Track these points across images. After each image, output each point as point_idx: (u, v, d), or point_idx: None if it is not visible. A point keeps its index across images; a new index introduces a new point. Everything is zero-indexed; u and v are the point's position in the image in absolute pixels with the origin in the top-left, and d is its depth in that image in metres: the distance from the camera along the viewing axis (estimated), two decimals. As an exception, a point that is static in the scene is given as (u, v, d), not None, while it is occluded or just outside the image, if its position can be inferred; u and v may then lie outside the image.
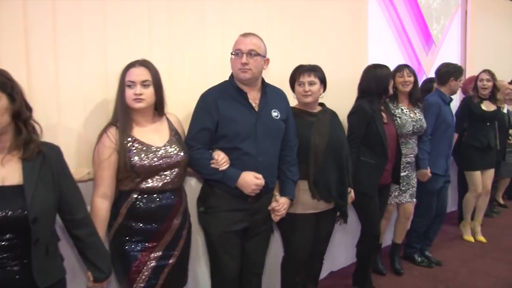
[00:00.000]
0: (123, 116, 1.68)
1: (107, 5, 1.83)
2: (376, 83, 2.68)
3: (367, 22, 3.37)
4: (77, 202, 1.42)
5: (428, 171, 3.12)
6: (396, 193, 3.02)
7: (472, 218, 3.94)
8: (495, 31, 5.41)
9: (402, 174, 2.96)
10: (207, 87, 2.00)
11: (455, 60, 4.71)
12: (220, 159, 1.84)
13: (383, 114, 2.73)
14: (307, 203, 2.24)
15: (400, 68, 3.04)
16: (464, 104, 3.77)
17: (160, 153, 1.70)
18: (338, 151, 2.29)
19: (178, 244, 1.80)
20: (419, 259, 3.37)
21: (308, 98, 2.25)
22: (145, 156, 1.67)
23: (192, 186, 2.24)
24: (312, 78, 2.24)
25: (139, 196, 1.69)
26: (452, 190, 4.16)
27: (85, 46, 1.77)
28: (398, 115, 2.96)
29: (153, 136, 1.74)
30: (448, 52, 4.53)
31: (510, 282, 3.10)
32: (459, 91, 3.73)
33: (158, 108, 1.78)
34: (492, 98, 3.72)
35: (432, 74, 4.15)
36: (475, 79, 3.79)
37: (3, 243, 1.21)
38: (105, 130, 1.67)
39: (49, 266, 1.31)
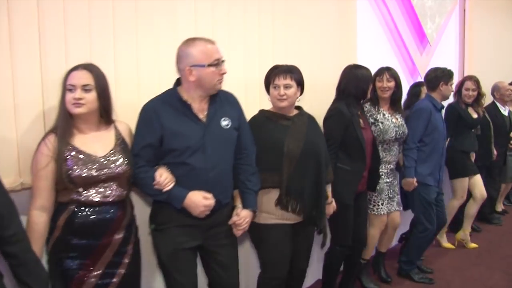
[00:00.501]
0: (62, 122, 1.57)
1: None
2: (355, 85, 2.53)
3: (355, 21, 3.24)
4: (8, 215, 1.32)
5: (414, 180, 2.98)
6: (386, 202, 2.89)
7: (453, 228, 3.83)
8: (494, 29, 5.26)
9: (387, 180, 2.86)
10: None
11: (453, 60, 4.60)
12: (163, 180, 1.70)
13: (360, 118, 2.60)
14: (278, 213, 2.10)
15: (380, 71, 2.90)
16: (452, 110, 3.61)
17: (100, 163, 1.60)
18: (314, 157, 2.14)
19: (122, 262, 1.67)
20: (417, 276, 3.17)
21: (283, 103, 2.10)
22: (84, 166, 1.57)
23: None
24: (288, 81, 2.10)
25: (77, 209, 1.59)
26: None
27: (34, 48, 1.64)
28: (380, 120, 2.83)
29: (95, 145, 1.63)
30: (445, 52, 4.40)
31: (506, 293, 2.97)
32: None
33: (104, 115, 1.65)
34: (475, 104, 3.66)
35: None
36: (459, 84, 3.68)
37: None
38: (44, 137, 1.58)
39: None
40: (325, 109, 2.60)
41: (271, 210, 2.09)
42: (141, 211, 1.97)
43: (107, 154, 1.63)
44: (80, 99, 1.55)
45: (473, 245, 3.78)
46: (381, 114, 2.86)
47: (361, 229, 2.67)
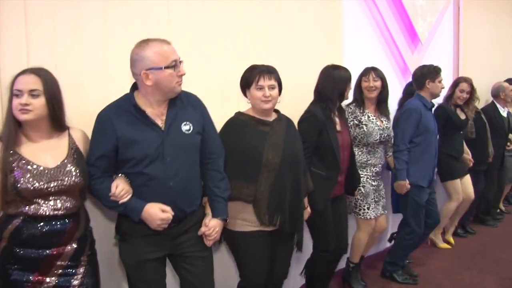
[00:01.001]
0: (8, 129, 1.50)
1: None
2: (331, 87, 2.44)
3: (341, 20, 3.18)
4: None
5: (406, 183, 2.91)
6: (373, 206, 2.83)
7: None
8: (489, 28, 5.17)
9: (373, 183, 2.81)
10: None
11: (447, 59, 4.51)
12: (118, 192, 1.62)
13: (337, 121, 2.52)
14: (253, 220, 2.01)
15: (366, 71, 2.85)
16: (441, 111, 3.53)
17: (50, 175, 1.52)
18: (294, 167, 2.05)
19: (77, 272, 1.61)
20: (401, 277, 3.11)
21: (268, 104, 2.02)
22: (31, 178, 1.49)
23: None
24: (273, 82, 2.02)
25: (24, 221, 1.52)
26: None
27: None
28: (364, 123, 2.78)
29: (45, 154, 1.55)
30: (438, 51, 4.31)
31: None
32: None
33: (55, 122, 1.57)
34: (464, 106, 3.61)
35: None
36: (453, 84, 3.60)
37: None
38: None
39: None
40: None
41: (247, 217, 2.02)
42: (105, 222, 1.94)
43: (58, 165, 1.55)
44: (27, 104, 1.48)
45: (444, 245, 3.72)
46: (366, 116, 2.80)
47: (340, 234, 2.58)
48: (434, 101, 3.16)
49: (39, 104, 1.50)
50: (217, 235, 1.83)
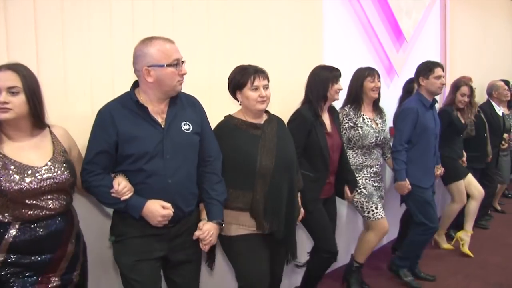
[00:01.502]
0: None
1: None
2: (314, 87, 2.42)
3: (322, 17, 3.06)
4: None
5: (406, 183, 2.84)
6: (380, 205, 2.77)
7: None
8: (477, 24, 5.09)
9: (374, 184, 2.77)
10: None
11: (434, 57, 4.40)
12: (121, 188, 1.60)
13: (327, 123, 2.46)
14: (250, 223, 1.96)
15: (372, 71, 2.78)
16: (446, 115, 3.42)
17: (40, 174, 1.47)
18: (288, 171, 2.00)
19: (76, 268, 1.62)
20: (406, 278, 3.02)
21: (263, 105, 1.99)
22: (21, 179, 1.43)
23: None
24: (266, 82, 1.99)
25: (21, 226, 1.46)
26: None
27: None
28: (359, 125, 2.71)
29: (29, 153, 1.49)
30: (424, 49, 4.22)
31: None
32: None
33: (36, 120, 1.51)
34: (466, 110, 3.55)
35: (404, 73, 3.88)
36: (454, 89, 3.51)
37: None
38: None
39: None
40: (288, 110, 2.46)
41: (242, 221, 1.96)
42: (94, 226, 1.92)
43: (47, 163, 1.50)
44: (6, 103, 1.41)
45: (468, 251, 3.58)
46: (361, 119, 2.74)
47: (333, 232, 2.52)
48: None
49: (19, 101, 1.44)
50: (212, 239, 1.78)
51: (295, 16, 2.85)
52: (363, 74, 2.78)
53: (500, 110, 4.29)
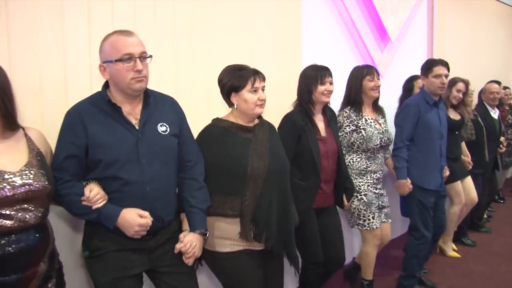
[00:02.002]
0: None
1: None
2: (302, 89, 2.31)
3: (300, 16, 2.91)
4: None
5: (408, 182, 2.72)
6: (377, 214, 2.62)
7: None
8: (466, 24, 4.97)
9: (375, 191, 2.61)
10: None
11: (421, 58, 4.26)
12: (93, 195, 1.47)
13: (321, 127, 2.31)
14: (238, 238, 1.78)
15: (371, 70, 2.63)
16: None
17: (14, 180, 1.32)
18: (282, 176, 1.86)
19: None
20: None
21: (262, 108, 1.86)
22: None
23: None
24: (264, 84, 1.86)
25: None
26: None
27: None
28: (362, 127, 2.55)
29: (2, 158, 1.35)
30: (410, 49, 4.09)
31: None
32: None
33: (7, 120, 1.38)
34: (458, 107, 3.44)
35: (389, 73, 3.76)
36: (450, 84, 3.39)
37: None
38: None
39: None
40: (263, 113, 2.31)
41: (229, 235, 1.79)
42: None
43: (22, 168, 1.36)
44: None
45: (454, 254, 3.53)
46: (363, 120, 2.58)
47: (333, 247, 2.37)
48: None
49: None
50: (196, 251, 1.64)
51: (272, 15, 2.70)
52: (362, 73, 2.62)
53: (495, 113, 4.18)
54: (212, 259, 1.82)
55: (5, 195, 1.29)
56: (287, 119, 2.25)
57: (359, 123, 2.56)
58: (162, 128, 1.61)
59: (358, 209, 2.58)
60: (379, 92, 2.64)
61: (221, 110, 1.99)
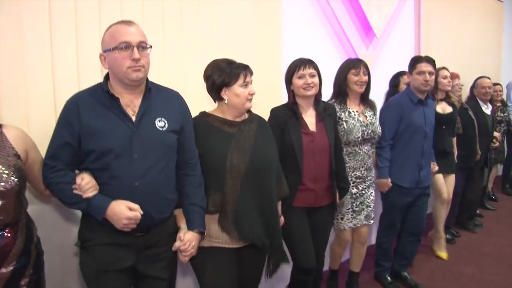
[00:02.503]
0: None
1: None
2: (285, 81, 2.26)
3: (280, 14, 2.79)
4: None
5: (388, 181, 2.69)
6: (349, 216, 2.51)
7: None
8: (453, 19, 4.87)
9: (351, 191, 2.48)
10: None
11: (408, 54, 4.16)
12: (84, 184, 1.46)
13: (310, 121, 2.21)
14: (219, 235, 1.79)
15: (357, 64, 2.50)
16: None
17: None
18: (263, 173, 1.81)
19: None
20: (389, 279, 2.95)
21: (251, 103, 1.85)
22: None
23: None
24: (252, 78, 1.84)
25: None
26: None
27: None
28: (344, 119, 2.44)
29: None
30: (397, 45, 3.97)
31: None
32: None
33: None
34: (447, 98, 3.41)
35: (375, 70, 3.63)
36: (435, 77, 3.26)
37: None
38: None
39: None
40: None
41: (210, 232, 1.78)
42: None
43: None
44: None
45: (442, 254, 3.46)
46: (346, 112, 2.47)
47: (316, 248, 2.26)
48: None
49: None
50: (193, 250, 1.68)
51: (251, 9, 2.57)
52: (348, 66, 2.51)
53: (487, 108, 4.10)
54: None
55: None
56: (271, 113, 2.19)
57: (341, 115, 2.46)
58: (160, 123, 1.58)
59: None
60: (364, 88, 2.50)
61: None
